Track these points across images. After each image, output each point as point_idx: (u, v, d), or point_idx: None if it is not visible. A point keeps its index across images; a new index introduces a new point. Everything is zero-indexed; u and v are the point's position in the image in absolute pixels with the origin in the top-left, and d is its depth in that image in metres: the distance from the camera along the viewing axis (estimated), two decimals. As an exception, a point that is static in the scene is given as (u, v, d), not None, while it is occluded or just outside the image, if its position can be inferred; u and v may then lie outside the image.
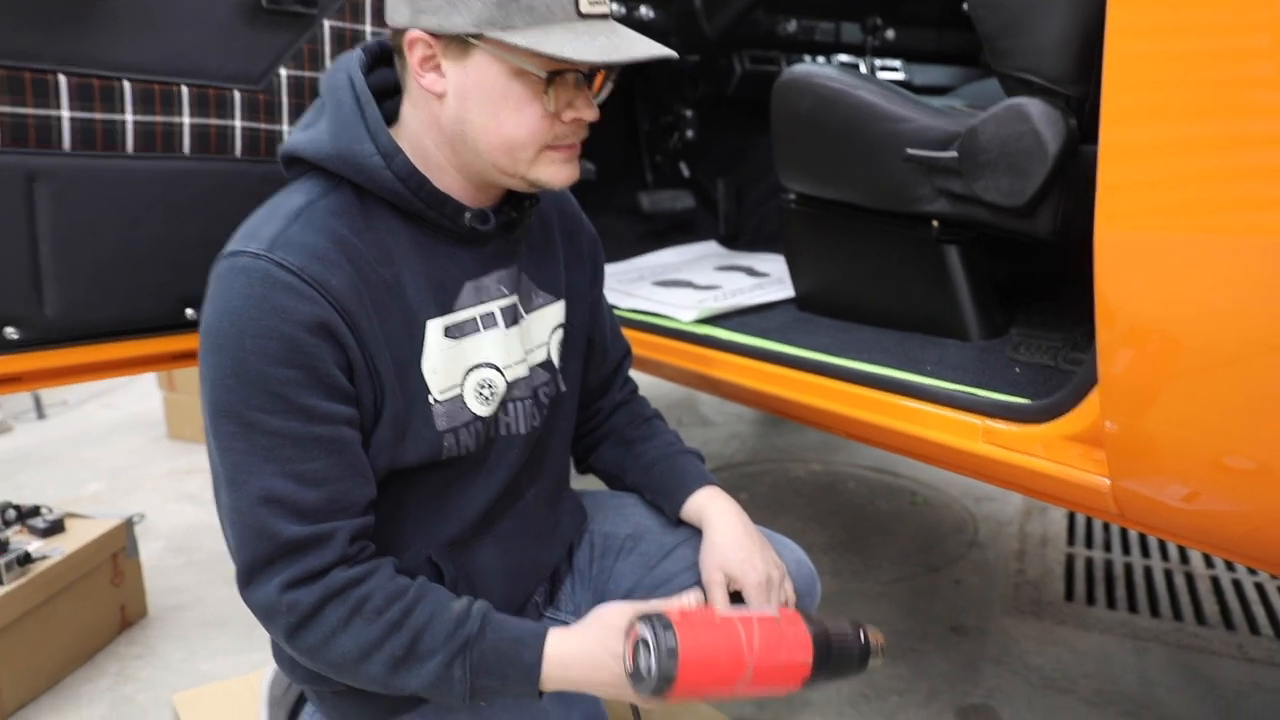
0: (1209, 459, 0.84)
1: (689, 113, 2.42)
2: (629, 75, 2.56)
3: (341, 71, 0.93)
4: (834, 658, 0.87)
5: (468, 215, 0.94)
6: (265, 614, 0.86)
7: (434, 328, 0.93)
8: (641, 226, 2.40)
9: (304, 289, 0.83)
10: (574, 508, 1.19)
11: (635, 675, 0.83)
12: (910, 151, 1.31)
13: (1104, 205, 0.85)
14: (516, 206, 1.00)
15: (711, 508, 1.09)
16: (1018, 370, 1.23)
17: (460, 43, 0.85)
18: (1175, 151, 0.81)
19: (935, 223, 1.39)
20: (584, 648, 0.88)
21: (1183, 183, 0.80)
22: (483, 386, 0.97)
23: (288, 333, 0.82)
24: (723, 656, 0.83)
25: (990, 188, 1.22)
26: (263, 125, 1.49)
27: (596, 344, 1.20)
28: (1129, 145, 0.84)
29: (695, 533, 1.09)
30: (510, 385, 1.00)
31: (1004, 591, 2.05)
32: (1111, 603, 1.98)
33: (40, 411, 3.58)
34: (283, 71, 1.49)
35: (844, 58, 2.42)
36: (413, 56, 0.88)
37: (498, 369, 0.98)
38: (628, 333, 1.69)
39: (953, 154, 1.27)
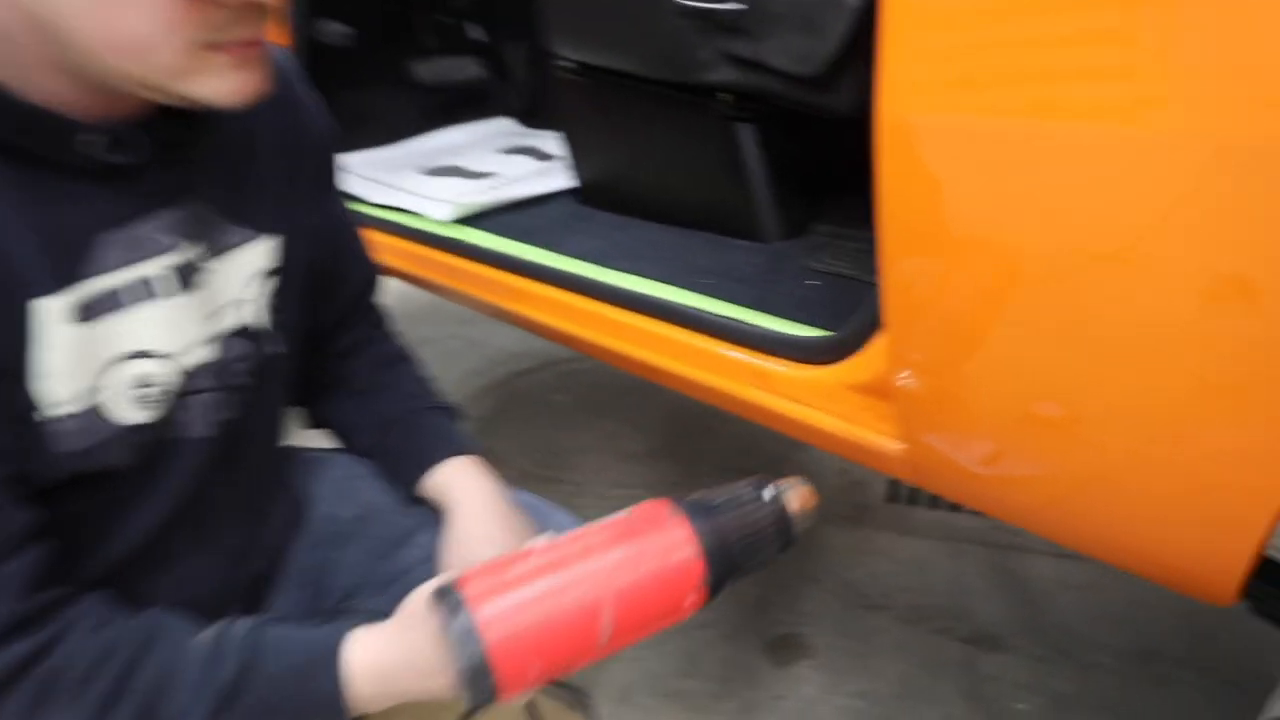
0: (1023, 420, 0.64)
1: None
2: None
3: None
4: (736, 551, 0.62)
5: (85, 140, 0.59)
6: None
7: (50, 309, 0.59)
8: (424, 101, 2.02)
9: None
10: (286, 503, 0.89)
11: (460, 683, 0.57)
12: (683, 2, 1.02)
13: (888, 75, 0.60)
14: (184, 117, 0.64)
15: (456, 487, 0.83)
16: (811, 283, 1.01)
17: None
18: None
19: (728, 96, 1.13)
20: (403, 647, 0.62)
21: (990, 46, 0.57)
22: (138, 385, 0.65)
23: None
24: (558, 612, 0.56)
25: (779, 50, 0.96)
26: None
27: (330, 273, 0.87)
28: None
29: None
30: (188, 376, 0.69)
31: (827, 495, 1.92)
32: (934, 501, 1.90)
33: None
34: None
35: None
36: None
37: (162, 358, 0.66)
38: (376, 237, 1.38)
39: (737, 5, 0.99)
